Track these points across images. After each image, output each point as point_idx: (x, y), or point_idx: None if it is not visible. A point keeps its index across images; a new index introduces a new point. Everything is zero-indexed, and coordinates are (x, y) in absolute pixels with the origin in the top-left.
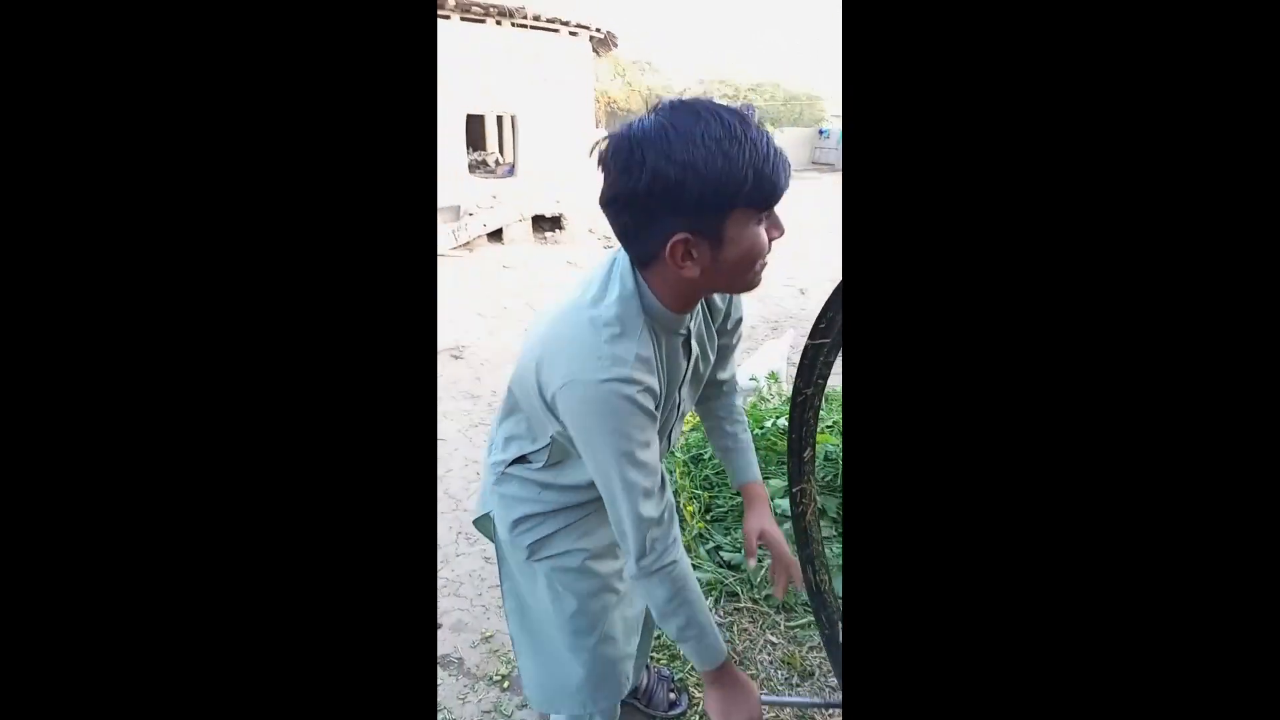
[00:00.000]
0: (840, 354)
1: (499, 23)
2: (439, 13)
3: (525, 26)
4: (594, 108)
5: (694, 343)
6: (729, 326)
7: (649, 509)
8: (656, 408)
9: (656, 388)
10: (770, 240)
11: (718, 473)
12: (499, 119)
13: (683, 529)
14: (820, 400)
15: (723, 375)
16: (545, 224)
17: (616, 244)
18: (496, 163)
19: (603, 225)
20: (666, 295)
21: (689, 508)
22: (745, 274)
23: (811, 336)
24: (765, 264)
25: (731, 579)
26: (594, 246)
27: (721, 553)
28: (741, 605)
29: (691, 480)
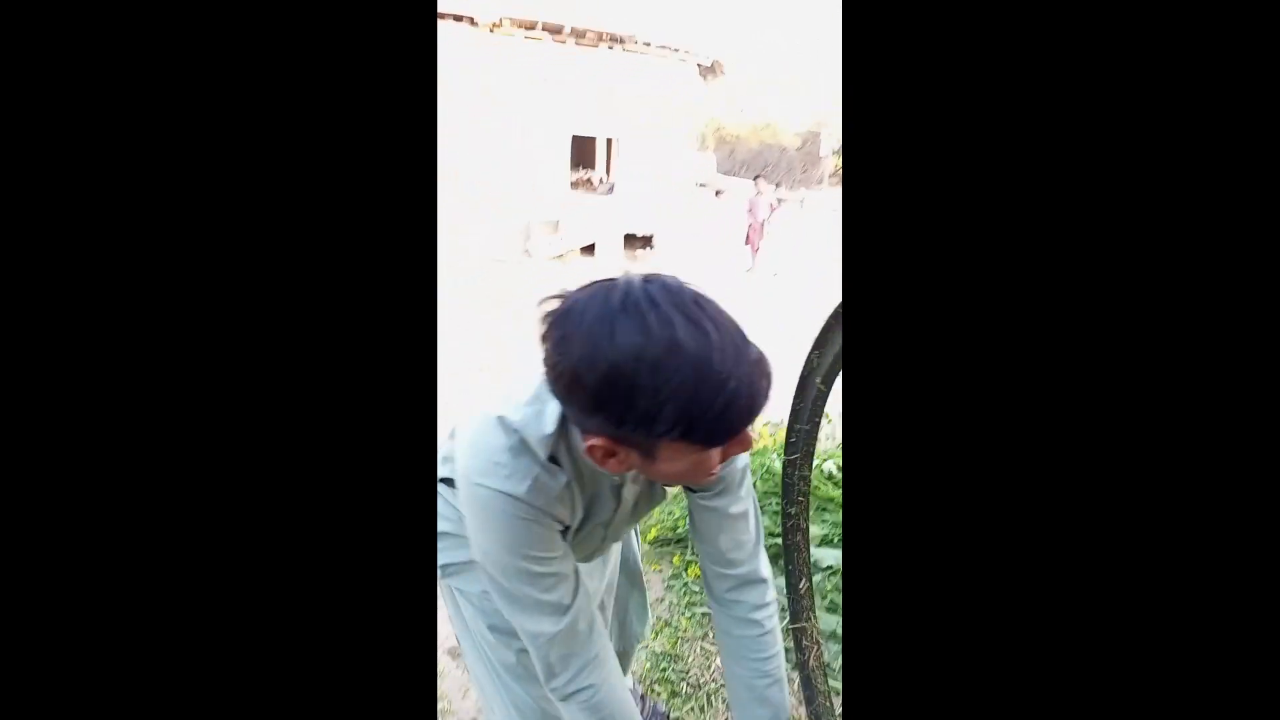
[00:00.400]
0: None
1: (611, 48)
2: (555, 38)
3: (636, 53)
4: (700, 132)
5: (627, 489)
6: (701, 489)
7: (544, 625)
8: (563, 529)
9: (565, 517)
10: (726, 457)
11: None
12: (608, 141)
13: (688, 570)
14: (807, 520)
15: (734, 565)
16: (637, 242)
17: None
18: (601, 181)
19: (694, 249)
20: None
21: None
22: (689, 479)
23: (786, 454)
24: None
25: None
26: (684, 265)
27: None
28: None
29: None
